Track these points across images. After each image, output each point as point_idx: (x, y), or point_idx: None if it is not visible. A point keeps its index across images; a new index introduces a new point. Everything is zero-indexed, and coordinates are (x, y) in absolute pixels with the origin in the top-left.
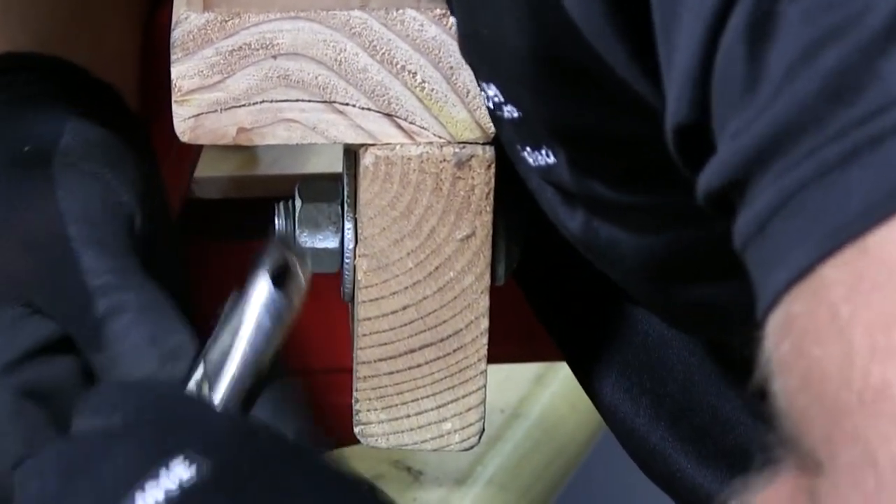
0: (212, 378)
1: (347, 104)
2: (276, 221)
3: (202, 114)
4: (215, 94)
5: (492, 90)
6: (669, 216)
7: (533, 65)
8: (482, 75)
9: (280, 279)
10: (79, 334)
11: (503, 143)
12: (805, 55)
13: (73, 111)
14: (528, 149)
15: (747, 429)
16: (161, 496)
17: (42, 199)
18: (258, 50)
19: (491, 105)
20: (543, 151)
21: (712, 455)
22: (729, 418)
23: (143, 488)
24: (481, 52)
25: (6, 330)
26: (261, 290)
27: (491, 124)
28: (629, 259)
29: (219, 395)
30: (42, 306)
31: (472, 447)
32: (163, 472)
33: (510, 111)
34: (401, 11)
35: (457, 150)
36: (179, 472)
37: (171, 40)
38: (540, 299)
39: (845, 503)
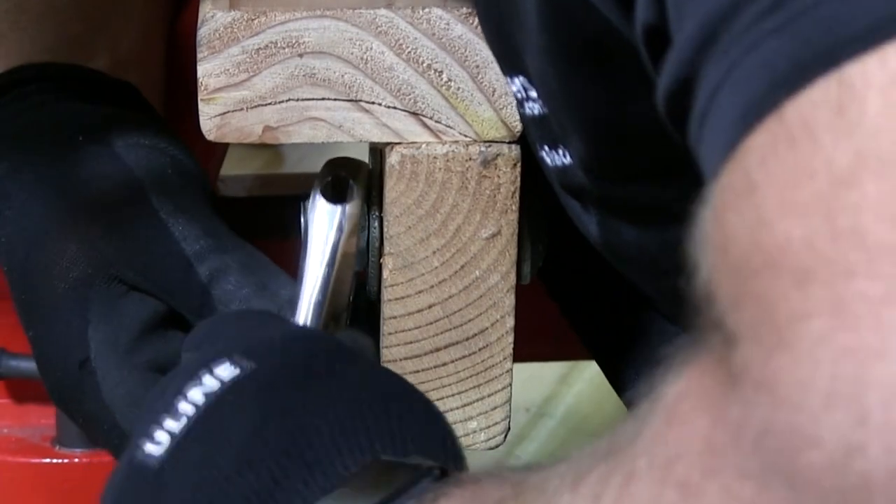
0: (295, 301)
1: (373, 103)
2: (302, 219)
3: (228, 112)
4: (241, 93)
5: (516, 84)
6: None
7: (549, 39)
8: (509, 66)
9: (335, 194)
10: (184, 304)
11: (529, 144)
12: None
13: (103, 102)
14: (546, 148)
15: None
16: (200, 396)
17: (119, 177)
18: (284, 48)
19: (516, 102)
20: (560, 151)
21: None
22: None
23: (185, 392)
24: (507, 37)
25: (110, 311)
26: (318, 208)
27: (517, 122)
28: (657, 257)
29: (302, 315)
30: (135, 281)
31: (497, 446)
32: (206, 375)
33: (531, 107)
34: (427, 10)
35: (482, 148)
36: (222, 374)
37: (198, 39)
38: (567, 299)
39: (748, 364)
